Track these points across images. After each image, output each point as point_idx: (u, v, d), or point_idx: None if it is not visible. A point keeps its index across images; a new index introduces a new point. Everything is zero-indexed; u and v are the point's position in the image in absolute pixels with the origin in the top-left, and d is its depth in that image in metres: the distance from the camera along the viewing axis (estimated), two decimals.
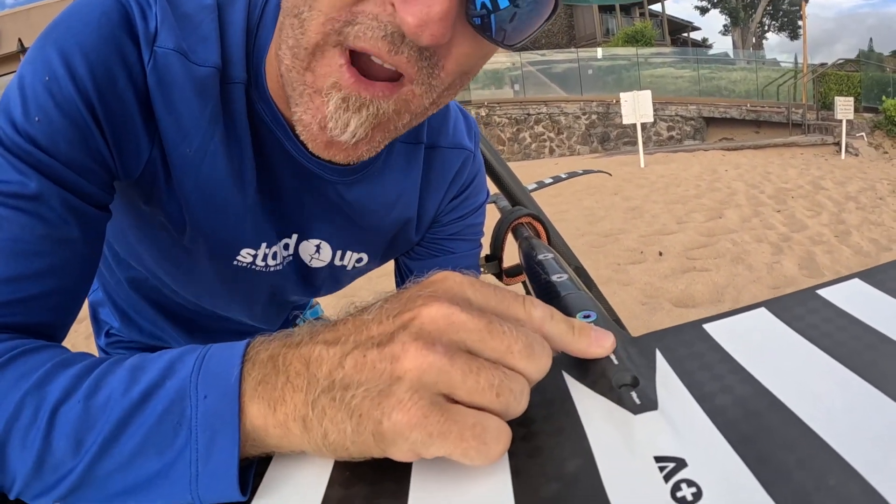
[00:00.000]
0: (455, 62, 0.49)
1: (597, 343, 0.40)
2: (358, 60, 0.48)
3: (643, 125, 11.28)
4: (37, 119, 0.49)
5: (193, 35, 0.56)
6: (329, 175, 0.65)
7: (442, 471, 0.34)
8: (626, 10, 29.33)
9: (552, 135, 15.05)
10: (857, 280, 0.48)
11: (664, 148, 13.42)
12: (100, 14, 0.52)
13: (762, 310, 0.46)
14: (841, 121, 10.96)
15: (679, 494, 0.29)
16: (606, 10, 28.72)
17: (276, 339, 0.39)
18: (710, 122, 15.09)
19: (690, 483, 0.29)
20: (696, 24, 33.80)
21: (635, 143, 11.41)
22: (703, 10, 32.46)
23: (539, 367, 0.36)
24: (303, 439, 0.35)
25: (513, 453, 0.34)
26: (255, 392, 0.36)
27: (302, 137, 0.53)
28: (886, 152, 11.30)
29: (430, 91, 0.50)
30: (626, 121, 10.92)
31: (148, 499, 0.36)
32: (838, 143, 11.19)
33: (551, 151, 14.94)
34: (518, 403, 0.35)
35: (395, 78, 0.49)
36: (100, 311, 1.03)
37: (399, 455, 0.33)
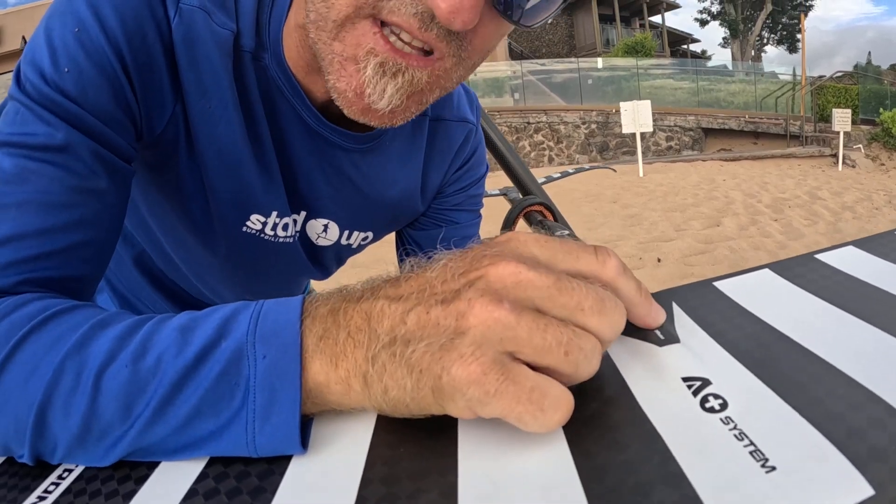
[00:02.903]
0: (482, 40, 0.51)
1: (654, 315, 0.40)
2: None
3: (642, 135, 11.34)
4: (66, 70, 0.50)
5: None
6: (344, 143, 0.67)
7: None
8: (626, 21, 29.51)
9: (551, 143, 15.12)
10: (851, 247, 0.54)
11: (663, 158, 13.49)
12: None
13: (766, 270, 0.51)
14: (838, 132, 11.05)
15: (707, 405, 0.33)
16: (607, 20, 28.91)
17: (334, 294, 0.39)
18: (708, 132, 15.17)
19: (717, 396, 0.34)
20: (695, 37, 34.06)
21: (634, 152, 11.47)
22: (703, 23, 32.67)
23: (612, 323, 0.35)
24: (363, 396, 0.35)
25: None
26: (317, 347, 0.36)
27: (338, 104, 0.53)
28: (883, 164, 11.39)
29: (460, 65, 0.52)
30: (625, 130, 10.98)
31: (201, 454, 0.36)
32: (835, 155, 11.27)
33: (550, 160, 15.00)
34: (588, 363, 0.33)
35: (426, 53, 0.50)
36: (97, 297, 0.99)
37: (457, 412, 0.32)
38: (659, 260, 4.85)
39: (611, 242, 5.47)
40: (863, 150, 11.88)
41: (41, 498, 0.34)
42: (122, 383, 0.36)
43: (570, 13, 29.57)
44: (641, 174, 10.10)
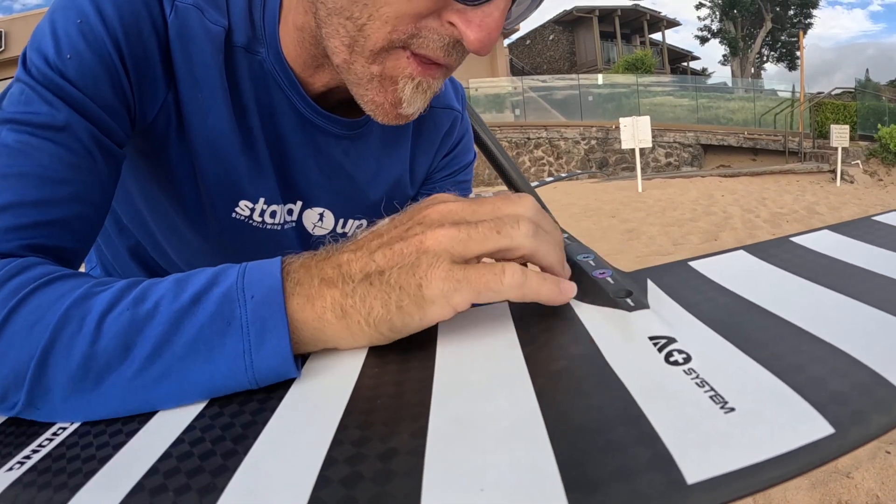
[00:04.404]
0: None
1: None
2: None
3: (641, 151, 11.38)
4: (69, 56, 0.54)
5: None
6: (335, 129, 0.72)
7: (462, 350, 0.41)
8: (626, 38, 29.72)
9: (551, 159, 15.17)
10: (826, 231, 0.55)
11: (662, 174, 13.52)
12: None
13: (741, 251, 0.52)
14: (836, 148, 11.08)
15: (671, 359, 0.35)
16: (608, 37, 29.10)
17: (303, 254, 0.45)
18: (707, 149, 15.22)
19: (681, 351, 0.35)
20: (695, 54, 34.24)
21: (633, 168, 11.50)
22: (703, 40, 32.90)
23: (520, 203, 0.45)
24: (338, 326, 0.41)
25: (521, 343, 0.40)
26: (295, 290, 0.41)
27: (370, 113, 0.61)
28: (881, 179, 11.41)
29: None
30: (625, 146, 10.99)
31: (197, 392, 0.39)
32: (834, 171, 11.29)
33: (550, 175, 15.03)
34: (514, 229, 0.43)
35: None
36: None
37: (438, 312, 0.40)
38: None
39: (609, 256, 5.46)
40: (861, 166, 11.92)
41: (35, 451, 0.36)
42: (123, 324, 0.39)
43: (571, 30, 29.81)
44: (640, 190, 10.12)
